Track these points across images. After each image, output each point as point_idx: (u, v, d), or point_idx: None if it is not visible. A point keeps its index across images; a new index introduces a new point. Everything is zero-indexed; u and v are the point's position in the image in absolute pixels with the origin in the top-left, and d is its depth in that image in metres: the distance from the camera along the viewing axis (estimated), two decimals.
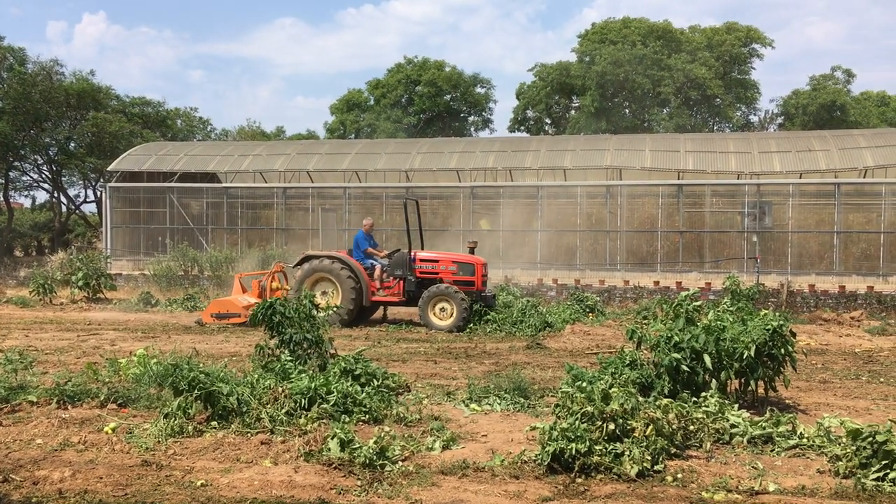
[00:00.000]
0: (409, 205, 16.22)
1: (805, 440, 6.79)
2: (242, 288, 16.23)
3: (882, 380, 10.24)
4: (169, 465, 6.25)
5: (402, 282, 15.62)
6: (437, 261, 15.71)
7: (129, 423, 7.36)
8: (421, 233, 16.38)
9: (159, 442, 6.76)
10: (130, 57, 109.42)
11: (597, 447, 6.09)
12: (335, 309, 15.85)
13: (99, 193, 37.75)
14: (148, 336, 13.87)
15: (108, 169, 28.71)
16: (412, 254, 15.65)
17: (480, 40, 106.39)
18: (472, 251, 16.33)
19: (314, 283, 15.66)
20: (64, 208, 40.65)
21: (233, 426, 7.12)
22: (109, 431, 7.08)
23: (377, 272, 15.72)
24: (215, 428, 7.11)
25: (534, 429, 6.78)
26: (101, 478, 5.91)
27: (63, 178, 39.14)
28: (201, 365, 7.85)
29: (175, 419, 7.09)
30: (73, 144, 36.71)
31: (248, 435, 6.94)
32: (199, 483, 5.82)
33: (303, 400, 7.48)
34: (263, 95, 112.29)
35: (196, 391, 7.20)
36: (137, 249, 26.62)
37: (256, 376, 8.18)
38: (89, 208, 43.71)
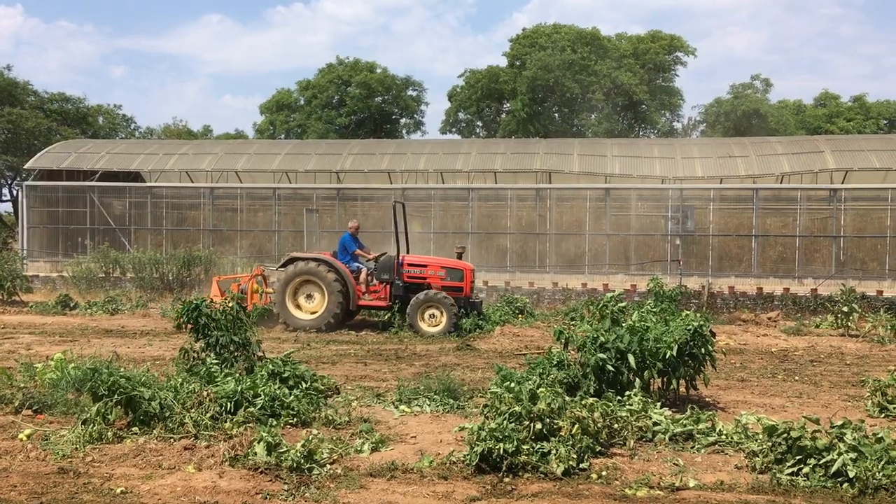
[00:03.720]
0: (397, 208, 15.74)
1: (724, 437, 7.02)
2: (221, 292, 15.70)
3: (797, 378, 10.66)
4: (87, 472, 6.06)
5: (388, 286, 15.27)
6: (425, 265, 15.37)
7: (45, 430, 7.10)
8: (407, 237, 15.96)
9: (77, 449, 6.55)
10: (49, 51, 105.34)
11: (524, 447, 6.17)
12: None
13: (15, 192, 36.34)
14: (66, 340, 13.40)
15: (25, 167, 27.62)
16: (400, 258, 15.29)
17: (411, 42, 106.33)
18: (460, 256, 15.95)
19: (298, 286, 15.25)
20: None
21: (155, 432, 6.95)
22: (24, 438, 6.83)
23: (363, 276, 15.31)
24: (136, 434, 6.93)
25: (462, 429, 6.81)
26: (15, 486, 5.70)
27: None
28: (122, 369, 7.66)
29: (94, 425, 6.87)
30: None
31: (171, 440, 6.78)
32: (118, 490, 5.66)
33: (229, 404, 7.35)
34: (190, 93, 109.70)
35: (116, 396, 7.00)
36: (56, 250, 25.67)
37: (180, 380, 8.00)
38: (5, 207, 42.10)
